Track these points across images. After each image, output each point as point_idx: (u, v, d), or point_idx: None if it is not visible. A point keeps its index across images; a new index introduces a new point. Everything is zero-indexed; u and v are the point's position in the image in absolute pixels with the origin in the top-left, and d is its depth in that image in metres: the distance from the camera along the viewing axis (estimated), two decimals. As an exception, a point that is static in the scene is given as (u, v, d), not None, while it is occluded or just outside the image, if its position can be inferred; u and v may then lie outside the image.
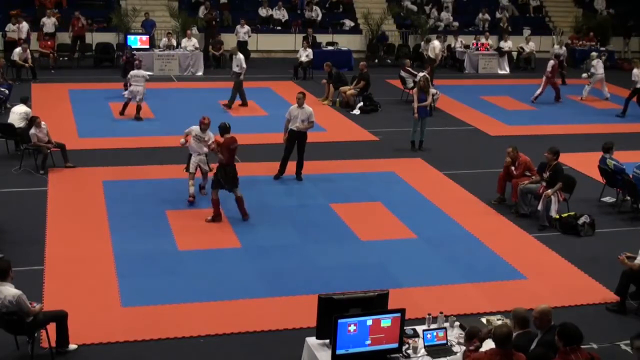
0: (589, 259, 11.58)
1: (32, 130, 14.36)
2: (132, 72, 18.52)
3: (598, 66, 22.28)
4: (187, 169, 13.33)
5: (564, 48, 26.36)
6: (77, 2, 27.36)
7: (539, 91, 22.19)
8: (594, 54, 23.62)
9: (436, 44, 24.18)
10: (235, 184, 12.45)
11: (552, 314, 7.53)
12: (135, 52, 21.89)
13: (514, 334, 7.26)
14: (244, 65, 19.94)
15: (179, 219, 12.43)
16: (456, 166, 15.81)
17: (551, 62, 22.29)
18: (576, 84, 24.41)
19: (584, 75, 23.10)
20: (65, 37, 25.50)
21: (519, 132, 18.58)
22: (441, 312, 8.14)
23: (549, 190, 12.64)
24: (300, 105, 14.22)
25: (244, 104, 20.10)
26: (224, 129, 12.54)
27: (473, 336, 7.24)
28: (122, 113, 18.59)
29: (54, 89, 21.33)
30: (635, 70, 20.58)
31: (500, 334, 6.86)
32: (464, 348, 7.34)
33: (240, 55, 20.15)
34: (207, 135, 13.16)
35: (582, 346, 7.02)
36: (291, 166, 14.58)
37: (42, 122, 14.52)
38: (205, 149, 13.19)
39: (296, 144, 14.35)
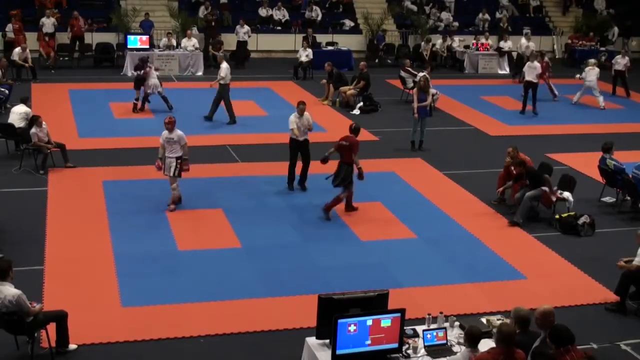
0: (589, 259, 11.57)
1: (33, 130, 14.36)
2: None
3: (589, 74, 21.73)
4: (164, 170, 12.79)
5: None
6: (77, 2, 27.37)
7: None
8: (591, 60, 22.84)
9: (522, 41, 25.53)
10: (344, 184, 12.58)
11: (555, 314, 7.52)
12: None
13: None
14: (222, 75, 18.20)
15: (179, 219, 12.43)
16: (456, 166, 15.81)
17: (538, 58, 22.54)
18: (574, 84, 24.48)
19: (577, 75, 22.66)
20: (65, 37, 25.47)
21: (519, 132, 18.59)
22: (441, 312, 8.14)
23: (531, 192, 12.67)
24: (301, 115, 13.78)
25: (233, 121, 18.61)
26: (353, 129, 13.00)
27: (474, 337, 7.21)
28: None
29: (54, 89, 21.33)
30: (536, 63, 20.81)
31: (506, 332, 6.86)
32: (464, 348, 7.34)
33: (224, 65, 18.47)
34: (175, 136, 12.55)
35: (582, 346, 7.01)
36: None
37: (43, 122, 14.53)
38: (178, 153, 12.54)
39: (300, 153, 13.92)
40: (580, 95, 22.18)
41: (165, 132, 12.60)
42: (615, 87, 23.73)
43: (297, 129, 13.68)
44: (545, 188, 12.77)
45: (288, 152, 14.05)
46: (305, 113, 13.86)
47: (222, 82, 18.27)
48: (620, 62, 23.43)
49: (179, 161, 12.57)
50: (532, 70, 20.69)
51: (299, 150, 13.88)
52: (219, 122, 18.41)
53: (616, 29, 30.39)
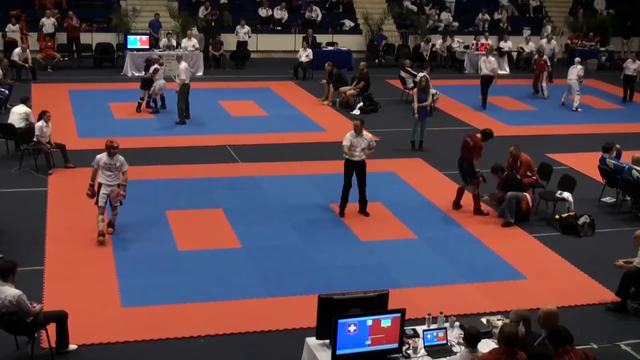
0: (589, 259, 11.57)
1: (39, 123, 14.39)
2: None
3: (570, 71, 21.60)
4: (97, 201, 11.34)
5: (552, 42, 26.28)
6: (77, 2, 27.35)
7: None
8: (576, 59, 22.56)
9: (542, 42, 26.22)
10: (469, 180, 13.11)
11: (559, 315, 7.53)
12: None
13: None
14: (182, 77, 17.92)
15: (179, 219, 12.43)
16: (456, 166, 15.76)
17: (535, 57, 22.68)
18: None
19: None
20: (64, 38, 25.41)
21: (519, 132, 18.56)
22: (441, 312, 8.14)
23: (508, 194, 12.76)
24: (359, 134, 12.63)
25: (183, 121, 18.29)
26: (483, 132, 13.65)
27: (473, 338, 7.20)
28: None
29: (54, 89, 21.32)
30: (491, 58, 21.19)
31: (509, 332, 6.86)
32: (463, 349, 7.33)
33: (182, 65, 18.12)
34: (118, 161, 11.26)
35: (582, 346, 7.02)
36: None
37: (50, 121, 14.58)
38: (118, 180, 11.30)
39: (355, 175, 12.85)
40: (566, 95, 22.05)
41: (104, 157, 11.23)
42: (627, 92, 23.29)
43: (350, 147, 12.59)
44: (526, 194, 12.90)
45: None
46: (366, 133, 12.76)
47: (179, 81, 18.12)
48: (631, 67, 22.94)
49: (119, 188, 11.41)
50: (486, 65, 20.93)
51: (354, 171, 12.81)
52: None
53: (549, 27, 30.01)
